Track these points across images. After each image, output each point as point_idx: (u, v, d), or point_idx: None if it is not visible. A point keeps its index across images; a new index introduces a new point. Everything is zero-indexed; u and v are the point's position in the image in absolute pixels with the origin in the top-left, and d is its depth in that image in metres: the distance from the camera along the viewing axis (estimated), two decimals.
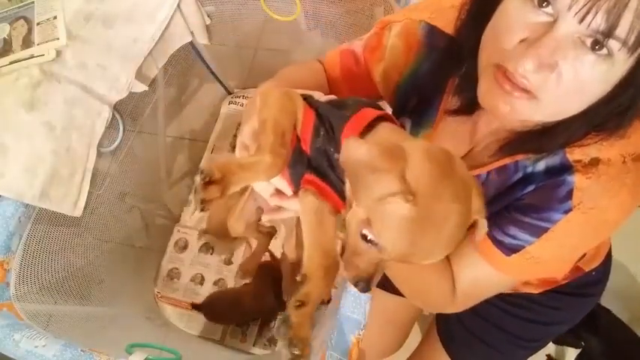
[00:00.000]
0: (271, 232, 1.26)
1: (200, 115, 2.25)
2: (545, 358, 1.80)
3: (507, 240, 0.78)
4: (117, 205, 1.60)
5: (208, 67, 1.98)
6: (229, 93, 2.27)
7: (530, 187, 0.76)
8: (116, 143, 1.48)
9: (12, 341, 1.00)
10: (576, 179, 0.70)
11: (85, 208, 1.30)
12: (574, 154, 0.71)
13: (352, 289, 0.96)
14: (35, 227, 1.23)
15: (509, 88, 0.64)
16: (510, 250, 0.78)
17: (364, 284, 0.63)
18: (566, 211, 0.72)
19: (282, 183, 0.79)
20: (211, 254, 1.94)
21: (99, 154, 1.34)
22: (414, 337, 1.73)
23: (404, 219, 0.57)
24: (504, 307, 1.15)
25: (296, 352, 0.64)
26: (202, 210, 0.63)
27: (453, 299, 0.87)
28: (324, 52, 1.07)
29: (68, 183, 1.26)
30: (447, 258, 0.88)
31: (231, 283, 1.87)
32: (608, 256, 1.14)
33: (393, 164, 0.58)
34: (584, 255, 1.02)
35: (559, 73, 0.61)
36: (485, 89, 0.69)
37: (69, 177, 1.26)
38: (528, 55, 0.60)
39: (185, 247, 1.98)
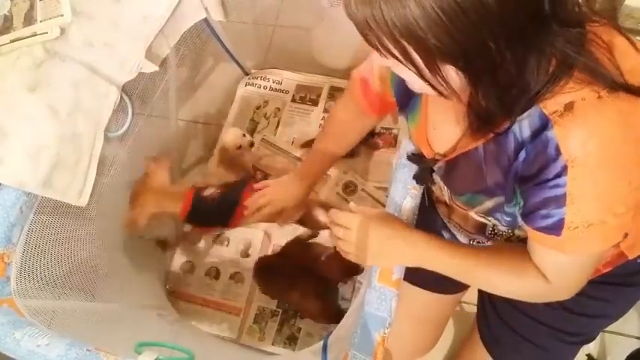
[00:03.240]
0: None
1: (215, 98, 2.25)
2: (586, 358, 1.78)
3: (546, 222, 0.79)
4: (125, 194, 1.59)
5: (224, 45, 1.96)
6: (246, 74, 2.26)
7: (523, 155, 0.77)
8: (124, 128, 1.47)
9: (13, 340, 1.00)
10: (556, 132, 0.71)
11: (90, 197, 1.30)
12: (548, 107, 0.72)
13: (377, 285, 0.97)
14: (37, 218, 1.23)
15: None
16: (556, 229, 0.79)
17: None
18: (564, 168, 0.72)
19: None
20: (227, 246, 1.94)
21: (106, 139, 1.34)
22: (448, 337, 1.72)
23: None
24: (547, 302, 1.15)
25: None
26: None
27: (549, 285, 0.89)
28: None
29: (73, 170, 1.26)
30: (520, 254, 0.92)
31: (248, 276, 1.86)
32: None
33: None
34: (626, 235, 0.99)
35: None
36: None
37: (74, 164, 1.26)
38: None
39: None
